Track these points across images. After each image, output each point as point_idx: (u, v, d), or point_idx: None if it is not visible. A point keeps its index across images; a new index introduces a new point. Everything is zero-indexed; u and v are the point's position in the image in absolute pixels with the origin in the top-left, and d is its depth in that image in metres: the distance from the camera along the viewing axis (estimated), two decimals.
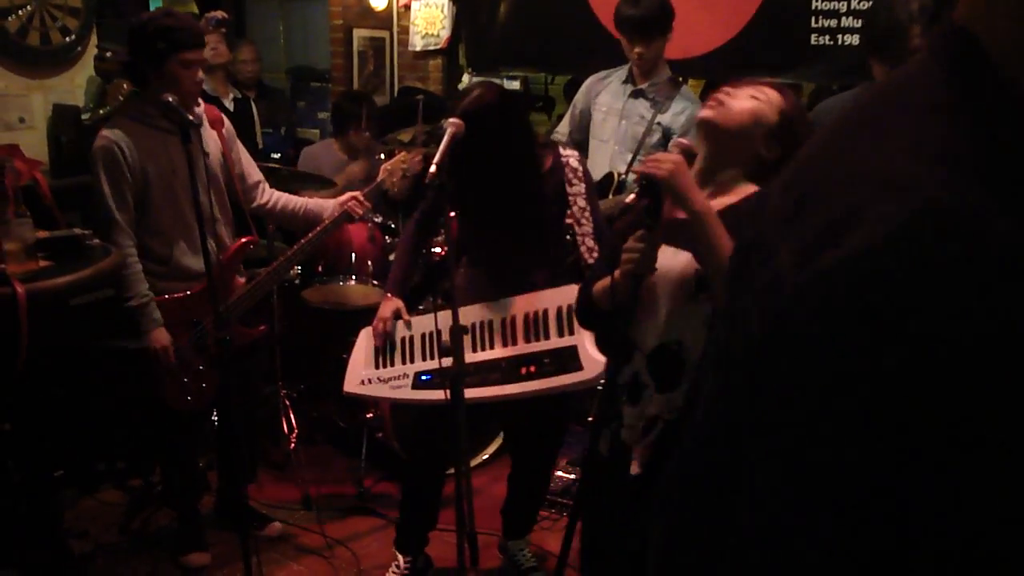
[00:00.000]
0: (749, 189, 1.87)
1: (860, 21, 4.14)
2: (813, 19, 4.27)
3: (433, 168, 2.24)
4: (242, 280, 3.17)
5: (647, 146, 3.63)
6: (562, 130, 4.01)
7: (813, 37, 4.29)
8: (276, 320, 3.88)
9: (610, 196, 3.71)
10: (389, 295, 2.98)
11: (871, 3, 4.07)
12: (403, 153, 3.33)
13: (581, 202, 2.73)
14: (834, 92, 3.18)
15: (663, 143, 3.66)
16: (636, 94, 3.70)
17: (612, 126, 3.74)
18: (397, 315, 2.93)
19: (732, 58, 4.31)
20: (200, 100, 3.06)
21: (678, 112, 3.62)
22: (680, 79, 3.74)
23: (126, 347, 2.92)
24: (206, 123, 3.07)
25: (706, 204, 1.74)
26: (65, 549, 2.94)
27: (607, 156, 3.74)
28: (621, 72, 3.77)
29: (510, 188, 2.70)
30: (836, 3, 4.21)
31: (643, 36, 3.56)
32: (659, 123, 3.63)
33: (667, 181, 1.73)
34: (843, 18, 4.21)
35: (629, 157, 3.67)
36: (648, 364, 1.90)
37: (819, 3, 4.25)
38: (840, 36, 4.22)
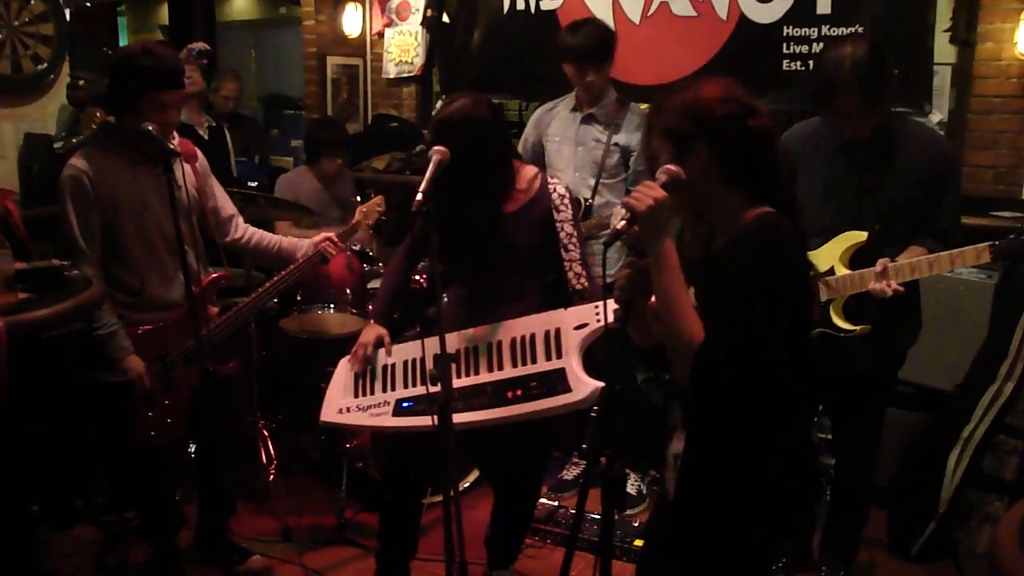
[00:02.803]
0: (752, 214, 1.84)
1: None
2: (784, 45, 4.33)
3: (419, 196, 2.24)
4: (215, 310, 3.14)
5: (608, 168, 3.73)
6: None
7: (785, 63, 4.35)
8: (254, 349, 3.84)
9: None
10: (372, 322, 2.93)
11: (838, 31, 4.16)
12: (379, 196, 3.33)
13: (568, 228, 2.75)
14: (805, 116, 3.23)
15: (623, 163, 3.76)
16: (587, 119, 3.78)
17: (568, 154, 3.81)
18: (379, 343, 2.85)
19: None
20: (175, 134, 3.03)
21: (633, 131, 3.71)
22: (626, 98, 3.83)
23: (101, 380, 2.87)
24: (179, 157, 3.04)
25: (669, 247, 1.74)
26: None
27: (568, 184, 3.77)
28: (568, 100, 3.86)
29: (488, 204, 2.70)
30: (807, 30, 4.28)
31: (594, 62, 3.64)
32: (616, 143, 3.72)
33: (643, 215, 1.73)
34: (814, 44, 4.26)
35: (592, 181, 3.75)
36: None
37: (790, 30, 4.31)
38: (811, 62, 4.26)
